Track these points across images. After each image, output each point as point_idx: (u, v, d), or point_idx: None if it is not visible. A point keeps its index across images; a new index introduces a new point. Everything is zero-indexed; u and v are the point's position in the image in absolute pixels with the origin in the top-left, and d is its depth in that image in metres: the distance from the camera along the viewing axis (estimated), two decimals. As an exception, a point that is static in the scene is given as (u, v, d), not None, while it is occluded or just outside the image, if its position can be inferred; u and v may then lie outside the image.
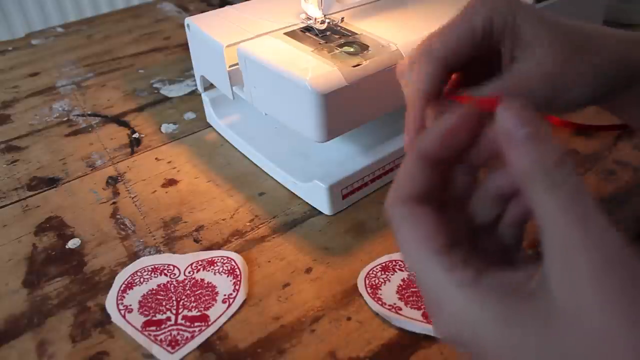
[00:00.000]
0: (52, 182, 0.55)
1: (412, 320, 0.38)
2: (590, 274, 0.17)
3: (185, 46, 0.80)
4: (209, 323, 0.39)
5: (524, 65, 0.30)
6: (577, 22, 0.32)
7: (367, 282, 0.41)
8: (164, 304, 0.40)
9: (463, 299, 0.21)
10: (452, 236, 0.22)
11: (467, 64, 0.30)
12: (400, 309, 0.39)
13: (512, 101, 0.21)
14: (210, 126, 0.62)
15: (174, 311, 0.40)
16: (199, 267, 0.43)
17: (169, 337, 0.38)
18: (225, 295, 0.41)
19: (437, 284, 0.21)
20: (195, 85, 0.68)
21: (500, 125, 0.21)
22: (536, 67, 0.30)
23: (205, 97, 0.61)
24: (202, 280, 0.42)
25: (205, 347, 0.37)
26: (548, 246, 0.19)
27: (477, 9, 0.29)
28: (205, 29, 0.51)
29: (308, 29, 0.50)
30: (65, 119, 0.66)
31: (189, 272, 0.43)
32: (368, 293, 0.40)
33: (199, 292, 0.41)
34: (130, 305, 0.40)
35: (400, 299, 0.40)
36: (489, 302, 0.20)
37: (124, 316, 0.39)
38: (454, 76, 0.30)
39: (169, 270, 0.43)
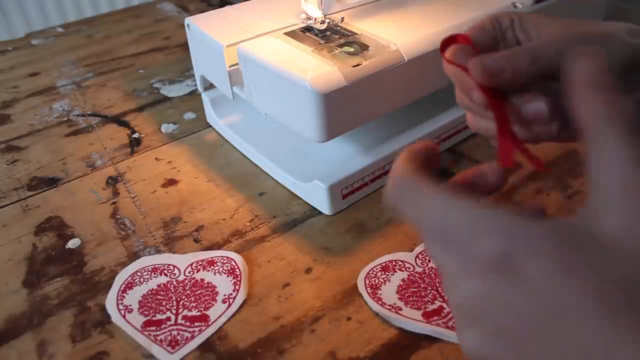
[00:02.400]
0: (52, 182, 0.55)
1: (412, 320, 0.38)
2: None
3: (185, 46, 0.80)
4: (209, 323, 0.39)
5: (542, 35, 0.31)
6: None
7: (367, 282, 0.41)
8: (164, 304, 0.40)
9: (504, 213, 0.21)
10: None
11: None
12: (400, 309, 0.39)
13: (584, 52, 0.22)
14: (210, 126, 0.62)
15: (174, 311, 0.40)
16: (199, 267, 0.43)
17: (169, 337, 0.38)
18: (225, 295, 0.41)
19: (480, 211, 0.21)
20: (195, 85, 0.69)
21: (576, 73, 0.22)
22: (555, 29, 0.30)
23: (205, 97, 0.61)
24: (202, 280, 0.42)
25: (205, 347, 0.37)
26: (606, 186, 0.20)
27: (485, 17, 0.32)
28: (205, 29, 0.51)
29: (308, 29, 0.50)
30: (65, 119, 0.66)
31: (189, 272, 0.43)
32: (368, 293, 0.40)
33: (199, 292, 0.41)
34: (130, 305, 0.40)
35: (400, 299, 0.40)
36: (535, 226, 0.20)
37: (124, 316, 0.39)
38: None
39: (169, 270, 0.43)
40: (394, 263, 0.43)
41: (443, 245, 0.23)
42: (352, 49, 0.46)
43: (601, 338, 0.18)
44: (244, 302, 0.40)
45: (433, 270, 0.42)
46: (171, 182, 0.54)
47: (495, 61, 0.27)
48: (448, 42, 0.31)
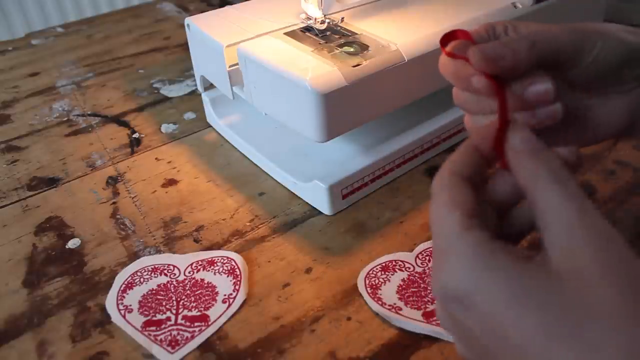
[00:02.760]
0: (52, 182, 0.55)
1: (412, 320, 0.38)
2: (590, 246, 0.21)
3: (185, 46, 0.80)
4: (209, 323, 0.39)
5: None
6: None
7: (367, 282, 0.41)
8: (164, 304, 0.40)
9: (473, 251, 0.23)
10: (480, 213, 0.25)
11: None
12: (400, 309, 0.39)
13: (519, 126, 0.26)
14: (210, 126, 0.62)
15: (174, 311, 0.40)
16: (199, 267, 0.43)
17: (169, 337, 0.38)
18: (225, 295, 0.41)
19: (452, 236, 0.24)
20: (195, 85, 0.69)
21: (511, 143, 0.26)
22: (554, 26, 0.31)
23: (205, 97, 0.61)
24: (202, 280, 0.42)
25: (205, 347, 0.37)
26: (551, 227, 0.22)
27: (480, 25, 0.33)
28: (205, 29, 0.51)
29: (308, 29, 0.50)
30: (65, 119, 0.66)
31: (189, 272, 0.43)
32: (368, 293, 0.40)
33: (199, 292, 0.41)
34: (130, 305, 0.40)
35: (400, 299, 0.40)
36: (497, 258, 0.22)
37: (124, 316, 0.39)
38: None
39: (169, 270, 0.43)
40: (394, 263, 0.43)
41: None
42: (352, 49, 0.46)
43: None
44: (244, 302, 0.40)
45: (433, 270, 0.42)
46: (171, 182, 0.54)
47: (495, 48, 0.28)
48: (448, 37, 0.31)
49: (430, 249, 0.44)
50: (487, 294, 0.22)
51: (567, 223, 0.22)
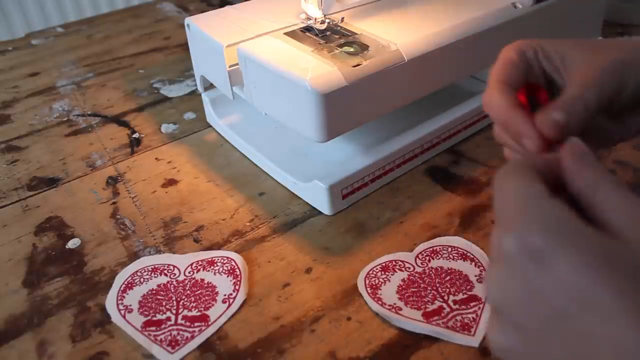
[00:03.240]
0: (52, 182, 0.55)
1: (412, 320, 0.38)
2: None
3: (185, 46, 0.80)
4: (209, 323, 0.39)
5: (581, 67, 0.34)
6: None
7: (367, 282, 0.41)
8: (164, 304, 0.40)
9: (560, 213, 0.23)
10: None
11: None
12: (400, 309, 0.39)
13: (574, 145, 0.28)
14: (210, 126, 0.62)
15: (174, 311, 0.40)
16: (199, 267, 0.43)
17: (169, 337, 0.38)
18: (225, 295, 0.41)
19: (536, 199, 0.24)
20: (195, 85, 0.68)
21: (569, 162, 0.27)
22: (591, 63, 0.33)
23: (205, 97, 0.61)
24: (202, 280, 0.42)
25: (205, 347, 0.37)
26: (619, 222, 0.23)
27: (505, 50, 0.36)
28: (205, 29, 0.51)
29: (308, 29, 0.50)
30: (65, 119, 0.66)
31: (189, 272, 0.43)
32: (368, 293, 0.40)
33: (199, 292, 0.41)
34: (130, 305, 0.40)
35: (400, 299, 0.40)
36: (583, 226, 0.23)
37: (124, 316, 0.39)
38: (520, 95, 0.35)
39: (169, 270, 0.43)
40: (394, 263, 0.43)
41: (497, 222, 0.25)
42: (352, 49, 0.46)
43: (630, 334, 0.20)
44: (244, 302, 0.40)
45: (433, 270, 0.42)
46: (171, 182, 0.54)
47: (562, 116, 0.31)
48: (523, 89, 0.34)
49: (430, 248, 0.44)
50: (572, 254, 0.22)
51: (636, 216, 0.23)
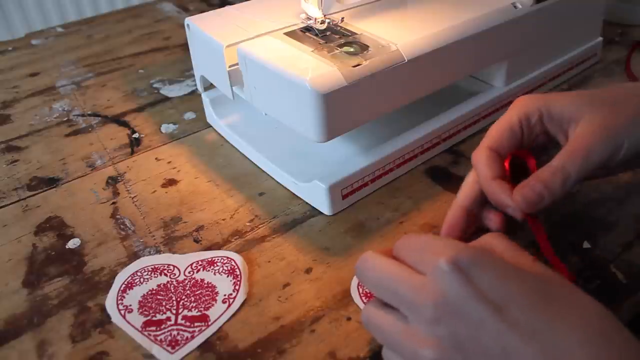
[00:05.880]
0: (52, 182, 0.55)
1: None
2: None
3: (185, 46, 0.80)
4: (209, 323, 0.39)
5: (577, 133, 0.36)
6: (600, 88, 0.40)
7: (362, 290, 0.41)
8: (164, 304, 0.40)
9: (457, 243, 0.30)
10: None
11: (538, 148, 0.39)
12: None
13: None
14: (210, 126, 0.62)
15: (174, 311, 0.40)
16: (199, 267, 0.43)
17: (169, 337, 0.38)
18: (225, 295, 0.41)
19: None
20: (195, 85, 0.68)
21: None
22: (588, 128, 0.35)
23: (205, 97, 0.61)
24: (202, 280, 0.42)
25: (205, 347, 0.37)
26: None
27: (513, 109, 0.38)
28: (205, 29, 0.51)
29: (308, 29, 0.50)
30: (65, 119, 0.66)
31: (189, 272, 0.43)
32: (359, 294, 0.40)
33: (199, 292, 0.41)
34: (130, 305, 0.40)
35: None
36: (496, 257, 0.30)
37: (124, 316, 0.39)
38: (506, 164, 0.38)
39: (169, 270, 0.43)
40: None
41: None
42: (352, 49, 0.46)
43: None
44: (244, 302, 0.40)
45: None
46: (171, 182, 0.54)
47: (535, 191, 0.34)
48: (510, 156, 0.38)
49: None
50: (492, 267, 0.28)
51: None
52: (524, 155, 0.38)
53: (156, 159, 0.58)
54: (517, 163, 0.38)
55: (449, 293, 0.27)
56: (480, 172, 0.37)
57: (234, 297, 0.41)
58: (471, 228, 0.39)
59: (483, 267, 0.27)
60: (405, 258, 0.31)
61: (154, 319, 0.39)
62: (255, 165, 0.55)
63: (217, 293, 0.41)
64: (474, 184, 0.38)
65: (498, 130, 0.38)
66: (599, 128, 0.35)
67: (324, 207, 0.48)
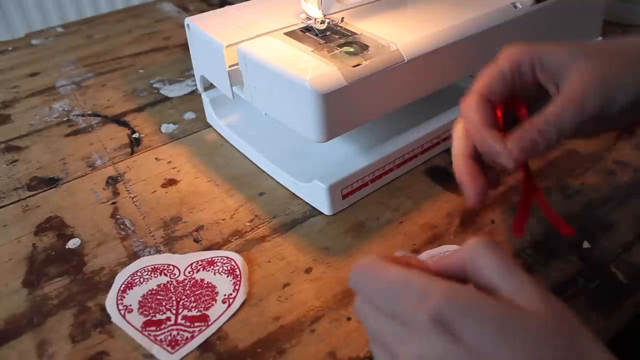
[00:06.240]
0: (52, 182, 0.55)
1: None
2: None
3: (185, 46, 0.80)
4: (209, 323, 0.39)
5: (571, 82, 0.34)
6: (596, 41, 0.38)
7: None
8: (164, 304, 0.40)
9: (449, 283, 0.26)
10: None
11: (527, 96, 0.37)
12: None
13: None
14: (210, 126, 0.62)
15: (174, 311, 0.40)
16: (198, 267, 0.43)
17: (169, 337, 0.38)
18: (225, 295, 0.41)
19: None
20: (195, 85, 0.68)
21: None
22: (582, 77, 0.33)
23: (205, 97, 0.61)
24: (202, 280, 0.42)
25: (205, 347, 0.37)
26: (506, 287, 0.27)
27: (503, 56, 0.36)
28: (205, 29, 0.51)
29: (308, 29, 0.50)
30: (65, 119, 0.66)
31: (189, 272, 0.43)
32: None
33: (199, 292, 0.41)
34: (130, 305, 0.40)
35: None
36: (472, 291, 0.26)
37: (124, 316, 0.39)
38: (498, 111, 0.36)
39: (169, 270, 0.43)
40: (394, 263, 0.43)
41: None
42: (352, 49, 0.46)
43: None
44: (244, 302, 0.41)
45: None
46: (171, 182, 0.54)
47: (531, 139, 0.33)
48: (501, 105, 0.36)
49: (430, 258, 0.44)
50: (477, 323, 0.24)
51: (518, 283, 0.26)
52: (516, 103, 0.35)
53: (156, 159, 0.58)
54: (508, 115, 0.36)
55: (432, 353, 0.25)
56: (471, 119, 0.34)
57: (234, 297, 0.41)
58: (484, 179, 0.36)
59: (468, 316, 0.24)
60: (379, 309, 0.28)
61: (154, 319, 0.39)
62: (255, 165, 0.55)
63: (217, 293, 0.41)
64: (461, 140, 0.36)
65: (488, 77, 0.35)
66: (593, 78, 0.33)
67: (324, 207, 0.48)
